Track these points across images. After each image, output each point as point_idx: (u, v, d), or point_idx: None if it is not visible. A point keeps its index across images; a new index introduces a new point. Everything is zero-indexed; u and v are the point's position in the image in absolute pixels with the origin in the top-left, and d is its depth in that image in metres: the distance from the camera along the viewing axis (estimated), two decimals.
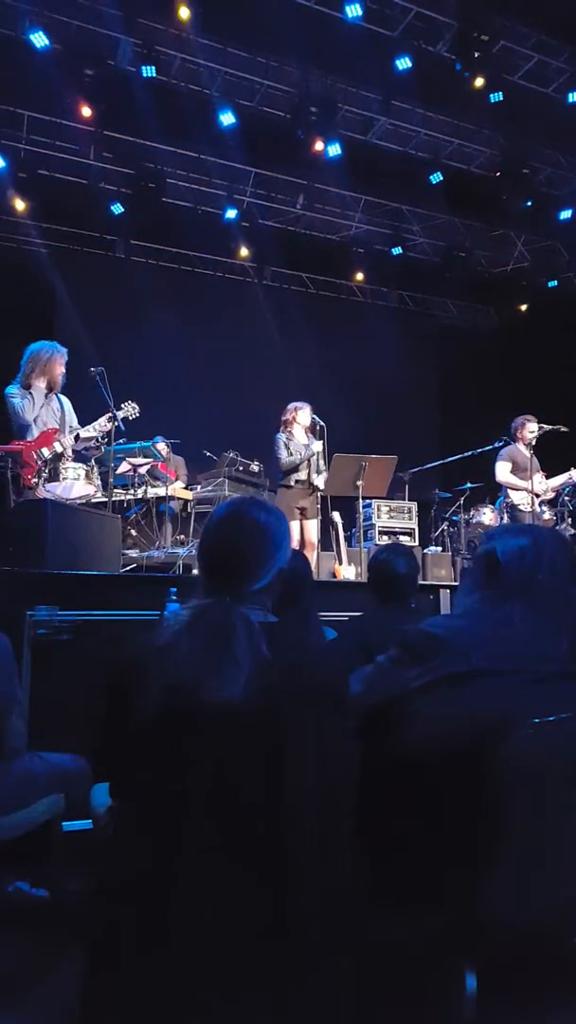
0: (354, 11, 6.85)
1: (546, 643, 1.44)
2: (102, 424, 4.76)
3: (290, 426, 6.07)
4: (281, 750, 1.23)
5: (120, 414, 4.94)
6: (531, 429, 6.39)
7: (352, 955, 1.27)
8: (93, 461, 4.65)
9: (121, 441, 5.43)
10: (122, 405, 5.02)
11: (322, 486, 5.94)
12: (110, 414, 4.83)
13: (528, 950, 1.37)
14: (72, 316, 9.02)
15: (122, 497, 6.16)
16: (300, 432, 6.07)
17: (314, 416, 6.05)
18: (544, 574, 1.50)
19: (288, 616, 1.50)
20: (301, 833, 1.24)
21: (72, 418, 4.80)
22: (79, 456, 4.66)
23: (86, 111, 7.42)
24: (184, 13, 6.86)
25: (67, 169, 8.67)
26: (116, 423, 4.79)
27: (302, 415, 6.05)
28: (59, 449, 4.55)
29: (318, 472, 5.97)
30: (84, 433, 4.70)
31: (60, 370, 4.72)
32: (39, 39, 6.78)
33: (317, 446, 5.94)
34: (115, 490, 5.29)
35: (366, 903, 1.34)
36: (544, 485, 6.47)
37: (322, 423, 6.01)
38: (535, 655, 1.41)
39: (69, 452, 4.64)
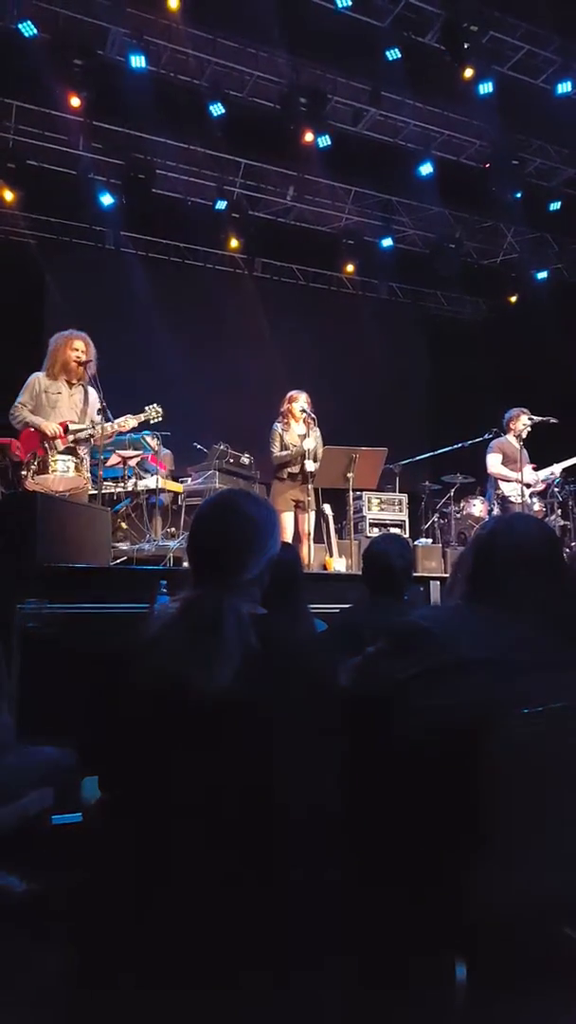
0: (343, 1, 6.80)
1: (527, 633, 1.44)
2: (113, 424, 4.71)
3: (287, 417, 6.06)
4: (270, 742, 1.23)
5: (143, 416, 4.95)
6: (524, 422, 6.42)
7: (343, 944, 1.27)
8: (87, 452, 4.62)
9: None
10: (145, 408, 5.02)
11: (311, 468, 5.88)
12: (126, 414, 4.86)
13: (518, 939, 1.37)
14: (62, 307, 8.94)
15: (112, 490, 6.13)
16: (298, 424, 6.05)
17: (305, 408, 6.02)
18: (504, 564, 1.51)
19: (277, 608, 1.50)
20: (291, 824, 1.24)
21: (94, 412, 4.72)
22: (69, 449, 4.64)
23: (75, 101, 7.33)
24: (173, 3, 6.80)
25: (56, 159, 8.60)
26: (106, 419, 4.74)
27: (295, 405, 6.03)
28: (71, 441, 4.55)
29: (312, 459, 5.92)
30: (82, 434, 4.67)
31: (71, 354, 4.63)
32: (27, 28, 6.71)
33: (310, 443, 5.90)
34: (105, 483, 5.27)
35: (356, 892, 1.34)
36: (533, 476, 6.51)
37: (313, 415, 5.99)
38: (518, 646, 1.42)
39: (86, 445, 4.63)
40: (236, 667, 1.22)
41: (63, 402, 4.62)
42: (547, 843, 1.36)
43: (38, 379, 4.65)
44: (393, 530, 7.10)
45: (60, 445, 4.53)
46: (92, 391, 4.72)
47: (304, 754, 1.27)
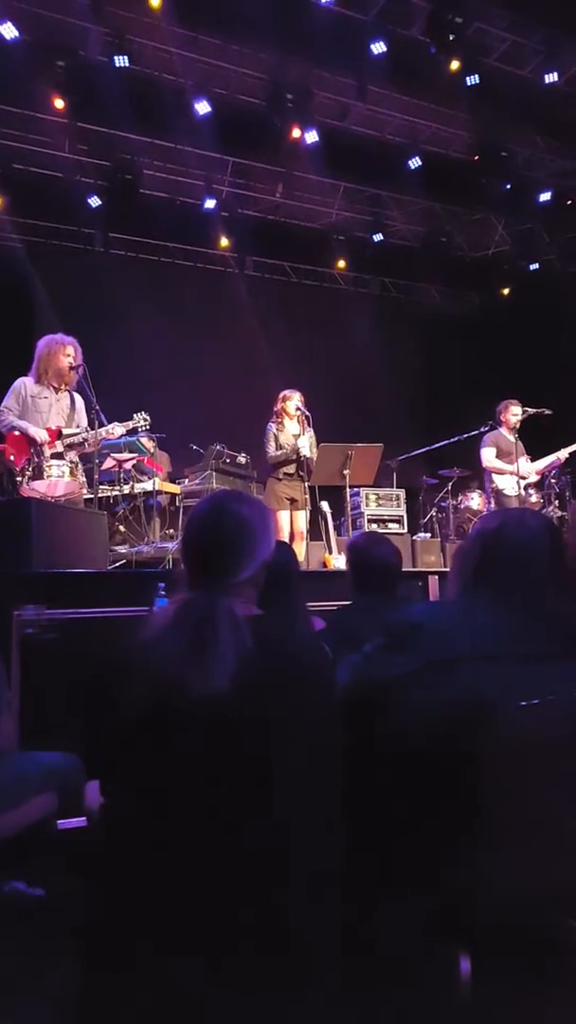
0: None
1: (518, 627, 1.44)
2: (100, 432, 4.68)
3: (281, 416, 6.07)
4: (268, 742, 1.23)
5: (131, 424, 4.95)
6: (514, 412, 6.41)
7: (345, 941, 1.28)
8: (77, 458, 4.61)
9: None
10: (134, 415, 5.01)
11: (306, 453, 5.87)
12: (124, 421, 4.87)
13: (520, 931, 1.38)
14: (51, 312, 8.93)
15: (108, 493, 6.14)
16: (292, 422, 6.05)
17: (299, 406, 6.03)
18: (499, 560, 1.51)
19: (273, 608, 1.50)
20: (291, 823, 1.24)
21: (81, 418, 4.71)
22: (57, 454, 4.62)
23: (59, 103, 7.32)
24: (155, 1, 6.78)
25: (42, 162, 8.56)
26: (98, 421, 4.72)
27: (289, 404, 6.04)
28: (59, 448, 4.53)
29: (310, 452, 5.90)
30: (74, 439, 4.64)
31: (63, 361, 4.60)
32: (8, 30, 6.69)
33: (304, 441, 5.90)
34: (101, 486, 5.27)
35: (357, 889, 1.34)
36: (529, 468, 6.50)
37: (307, 413, 6.00)
38: (518, 640, 1.42)
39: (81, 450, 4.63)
40: (231, 668, 1.22)
41: (51, 408, 4.61)
42: (548, 835, 1.36)
43: (25, 384, 4.62)
44: (391, 525, 7.10)
45: (47, 450, 4.50)
46: (78, 396, 4.71)
47: (303, 753, 1.27)
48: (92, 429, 4.64)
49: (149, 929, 1.22)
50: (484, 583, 1.54)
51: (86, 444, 4.62)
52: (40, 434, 4.50)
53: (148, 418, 5.09)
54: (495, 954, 1.32)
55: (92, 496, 4.74)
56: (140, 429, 5.08)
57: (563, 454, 6.55)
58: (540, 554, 1.53)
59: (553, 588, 1.51)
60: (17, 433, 4.52)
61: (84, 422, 4.72)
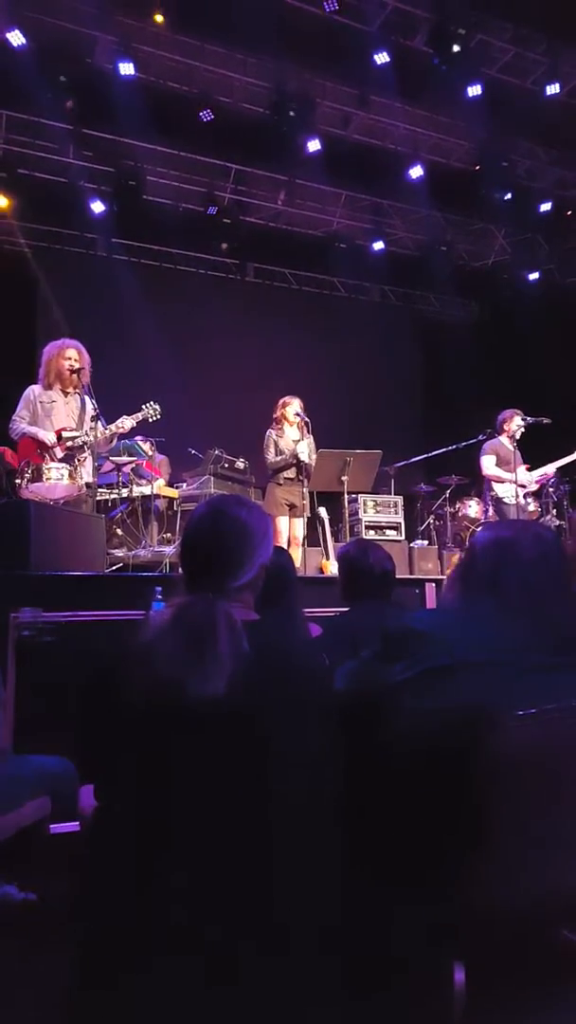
0: (331, 5, 6.84)
1: (519, 637, 1.44)
2: (102, 431, 4.67)
3: (280, 422, 6.09)
4: (265, 747, 1.23)
5: (140, 415, 4.93)
6: (517, 423, 6.43)
7: (340, 949, 1.27)
8: (76, 461, 4.62)
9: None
10: (143, 406, 5.00)
11: (304, 459, 5.88)
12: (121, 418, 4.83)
13: (516, 941, 1.37)
14: (54, 315, 8.95)
15: (106, 496, 6.14)
16: (292, 428, 6.08)
17: (299, 412, 6.05)
18: (513, 569, 1.51)
19: (271, 613, 1.50)
20: (287, 829, 1.24)
21: (89, 420, 4.72)
22: (65, 457, 4.64)
23: (65, 109, 7.36)
24: (159, 18, 6.86)
25: (47, 168, 8.61)
26: (99, 423, 4.72)
27: (289, 410, 6.06)
28: (67, 448, 4.55)
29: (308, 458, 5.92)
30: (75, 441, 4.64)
31: (64, 363, 4.63)
32: (16, 38, 6.73)
33: (303, 447, 5.92)
34: (99, 490, 5.26)
35: (353, 897, 1.34)
36: (528, 477, 6.51)
37: (307, 419, 6.02)
38: (511, 648, 1.42)
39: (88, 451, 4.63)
40: (229, 672, 1.22)
41: (59, 410, 4.65)
42: (544, 845, 1.36)
43: (33, 391, 4.70)
44: (389, 532, 7.10)
45: (59, 453, 4.55)
46: (89, 399, 4.72)
47: (300, 759, 1.27)
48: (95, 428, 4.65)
49: (143, 933, 1.21)
50: (492, 591, 1.54)
51: (86, 446, 4.63)
52: (48, 436, 4.55)
53: (158, 407, 5.08)
54: (490, 964, 1.32)
55: (90, 499, 4.71)
56: (151, 419, 5.06)
57: (550, 469, 6.60)
58: (552, 566, 1.53)
59: (559, 598, 1.51)
60: (29, 439, 4.57)
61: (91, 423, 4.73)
